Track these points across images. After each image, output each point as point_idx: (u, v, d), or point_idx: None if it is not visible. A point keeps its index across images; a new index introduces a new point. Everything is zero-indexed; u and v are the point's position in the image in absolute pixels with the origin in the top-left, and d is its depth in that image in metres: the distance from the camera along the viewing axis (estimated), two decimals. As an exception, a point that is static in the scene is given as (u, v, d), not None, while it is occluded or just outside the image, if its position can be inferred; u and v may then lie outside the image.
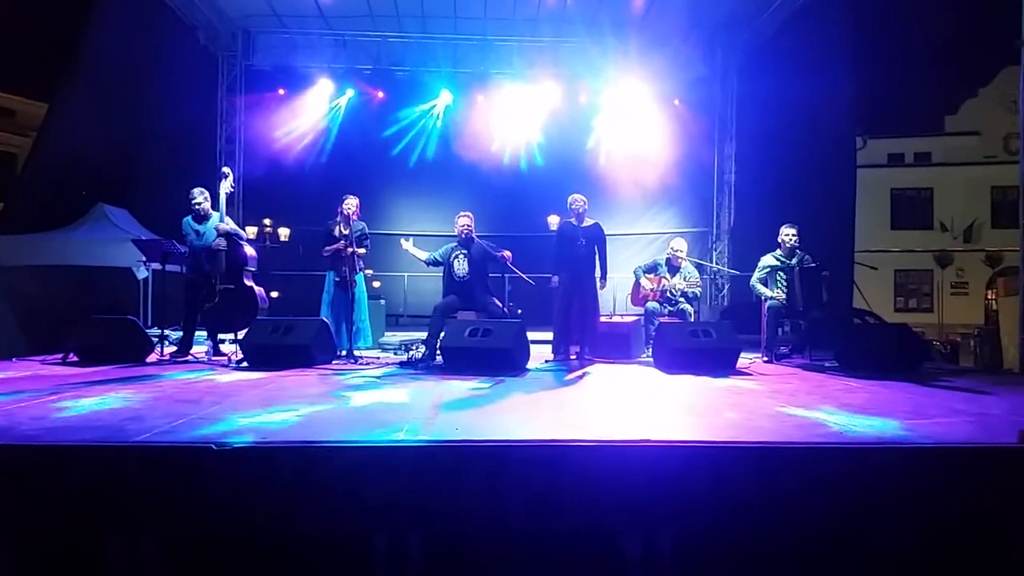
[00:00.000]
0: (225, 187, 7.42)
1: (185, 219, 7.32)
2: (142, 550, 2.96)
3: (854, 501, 3.09)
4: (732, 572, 3.10)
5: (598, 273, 7.50)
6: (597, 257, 7.50)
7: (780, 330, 7.78)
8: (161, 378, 5.66)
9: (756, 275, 7.84)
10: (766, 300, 7.67)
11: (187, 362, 6.96)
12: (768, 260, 7.79)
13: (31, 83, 24.61)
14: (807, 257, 7.64)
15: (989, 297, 23.26)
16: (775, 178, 11.93)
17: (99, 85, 9.59)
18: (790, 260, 7.65)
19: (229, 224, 7.32)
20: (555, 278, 7.48)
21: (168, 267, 7.44)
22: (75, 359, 6.68)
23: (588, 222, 7.49)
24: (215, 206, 7.37)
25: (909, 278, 26.38)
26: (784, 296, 7.56)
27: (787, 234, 7.70)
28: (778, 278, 7.68)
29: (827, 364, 7.11)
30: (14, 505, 2.97)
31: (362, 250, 7.62)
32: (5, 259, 8.47)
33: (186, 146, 12.14)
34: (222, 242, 7.19)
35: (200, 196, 7.31)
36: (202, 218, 7.32)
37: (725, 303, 13.73)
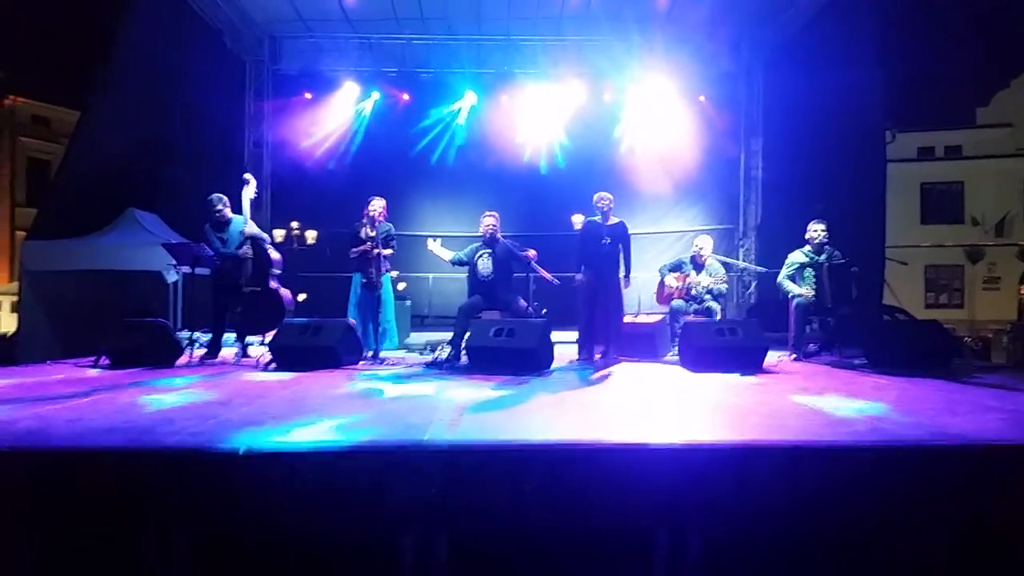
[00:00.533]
0: (248, 193, 7.51)
1: (206, 226, 7.42)
2: (174, 549, 3.01)
3: (883, 500, 3.06)
4: (760, 572, 3.08)
5: (622, 272, 7.46)
6: (622, 255, 7.46)
7: (808, 327, 7.70)
8: (191, 380, 5.74)
9: (784, 272, 7.76)
10: (794, 297, 7.59)
11: (216, 364, 7.05)
12: (796, 257, 7.71)
13: (64, 92, 25.12)
14: (836, 253, 7.55)
15: (1022, 292, 22.82)
16: (803, 174, 11.79)
17: (129, 92, 9.72)
18: (819, 256, 7.57)
19: (252, 227, 7.42)
20: (579, 275, 7.46)
21: (198, 270, 7.53)
22: (107, 362, 6.79)
23: (613, 220, 7.45)
24: (239, 211, 7.46)
25: (940, 273, 25.94)
26: (813, 293, 7.48)
27: (815, 230, 7.61)
28: (806, 275, 7.60)
29: (856, 361, 7.01)
30: (49, 504, 3.04)
31: (388, 251, 7.65)
32: (39, 264, 8.63)
33: (214, 150, 12.27)
34: (248, 250, 7.29)
35: (219, 203, 7.41)
36: (223, 224, 7.42)
37: (752, 301, 13.60)
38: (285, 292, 7.57)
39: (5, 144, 25.04)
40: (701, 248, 8.17)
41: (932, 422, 3.76)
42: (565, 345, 7.60)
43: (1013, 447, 3.25)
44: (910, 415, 3.98)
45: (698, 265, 8.12)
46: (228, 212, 7.45)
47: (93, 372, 6.34)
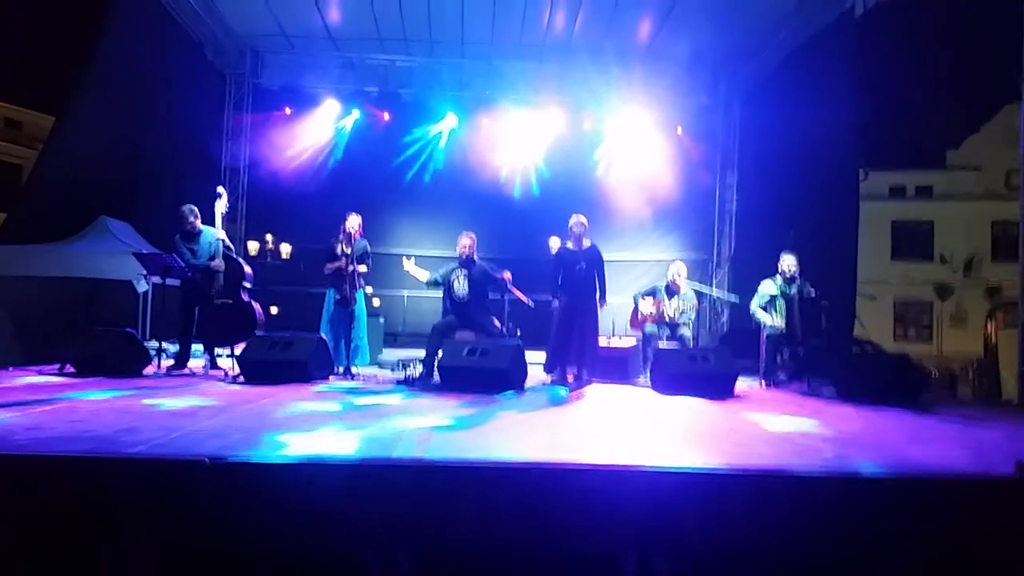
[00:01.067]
0: (220, 207, 7.47)
1: (176, 237, 7.36)
2: (136, 559, 2.94)
3: (849, 530, 3.07)
4: (726, 598, 3.08)
5: (598, 295, 7.48)
6: (596, 279, 7.48)
7: (779, 357, 7.77)
8: (156, 390, 5.64)
9: (756, 301, 7.84)
10: (765, 327, 7.67)
11: (184, 375, 6.95)
12: (768, 287, 7.79)
13: (39, 96, 24.86)
14: (807, 285, 7.65)
15: (988, 330, 23.24)
16: (776, 207, 11.95)
17: (106, 99, 9.64)
18: (789, 288, 7.66)
19: (223, 236, 7.38)
20: (556, 302, 7.48)
21: (168, 281, 7.45)
22: (71, 370, 6.66)
23: (586, 243, 7.49)
24: (210, 224, 7.42)
25: (909, 309, 26.41)
26: (783, 323, 7.57)
27: (787, 263, 7.71)
28: (777, 305, 7.69)
29: (825, 391, 7.08)
30: (10, 512, 2.96)
31: (363, 268, 7.62)
32: (5, 269, 8.48)
33: (190, 162, 12.19)
34: (220, 263, 7.23)
35: (190, 215, 7.36)
36: (193, 236, 7.36)
37: (725, 329, 13.71)
38: (256, 305, 7.51)
39: (-24, 146, 24.70)
40: (675, 275, 8.23)
41: (898, 452, 3.80)
42: (539, 366, 7.59)
43: (975, 478, 3.29)
44: (876, 445, 4.02)
45: (672, 292, 8.18)
46: (199, 224, 7.39)
47: (56, 379, 6.21)
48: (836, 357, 7.41)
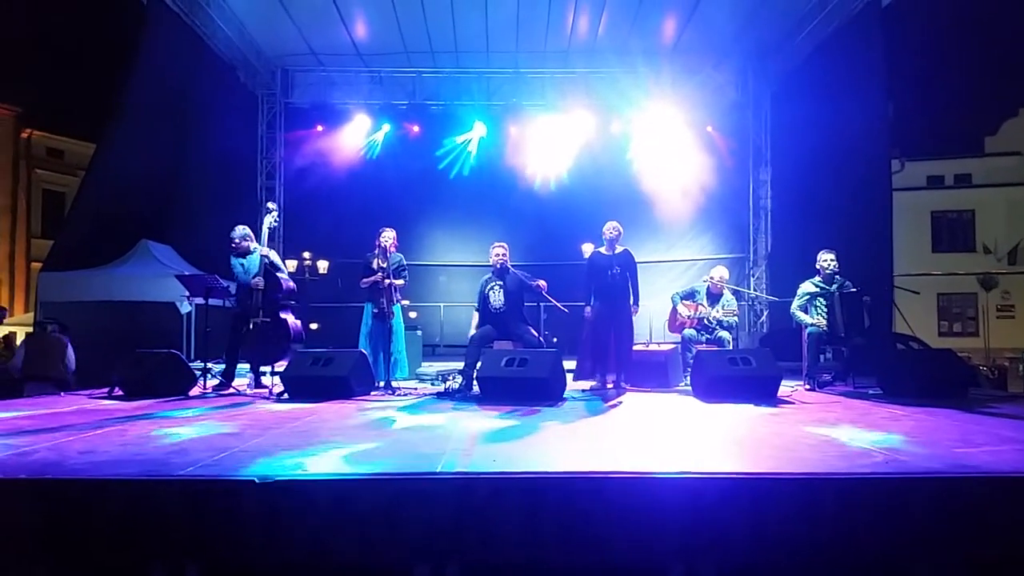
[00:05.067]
0: (269, 221, 7.59)
1: (231, 257, 7.47)
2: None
3: (899, 533, 3.02)
4: (776, 605, 3.05)
5: (631, 299, 7.45)
6: (630, 284, 7.45)
7: (822, 357, 7.65)
8: (204, 411, 5.75)
9: (796, 302, 7.74)
10: (807, 327, 7.57)
11: (229, 395, 7.05)
12: (807, 287, 7.69)
13: (79, 124, 25.49)
14: (847, 282, 7.54)
15: (1036, 320, 22.65)
16: (812, 203, 11.82)
17: (143, 125, 9.90)
18: (829, 286, 7.55)
19: (270, 254, 7.47)
20: (588, 309, 7.46)
21: (211, 301, 7.58)
22: (120, 393, 6.81)
23: (618, 249, 7.46)
24: (260, 240, 7.51)
25: (953, 302, 25.76)
26: (825, 322, 7.46)
27: (825, 259, 7.60)
28: (818, 304, 7.58)
29: (871, 391, 6.97)
30: (61, 535, 3.04)
31: (400, 281, 7.68)
32: (54, 295, 8.72)
33: (228, 182, 12.44)
34: (260, 281, 7.31)
35: (239, 234, 7.45)
36: (245, 254, 7.46)
37: (764, 330, 13.57)
38: (296, 323, 7.59)
39: (21, 176, 25.40)
40: (717, 280, 8.12)
41: (949, 453, 3.72)
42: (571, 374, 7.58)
43: (1030, 477, 3.21)
44: (926, 446, 3.94)
45: (713, 296, 8.10)
46: (250, 243, 7.48)
47: (106, 403, 6.35)
48: (881, 355, 7.29)
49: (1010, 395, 7.57)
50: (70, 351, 7.90)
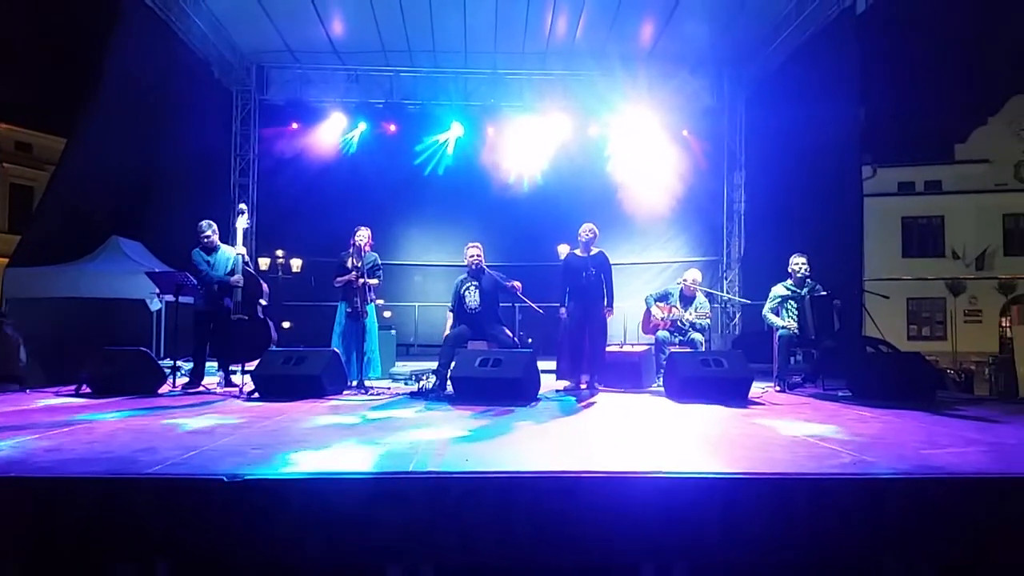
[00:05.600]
0: (242, 223, 7.52)
1: (194, 251, 7.36)
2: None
3: (868, 533, 3.06)
4: (747, 604, 3.07)
5: (605, 301, 7.48)
6: (604, 285, 7.48)
7: (792, 359, 7.74)
8: (172, 409, 5.67)
9: (767, 305, 7.81)
10: (777, 329, 7.65)
11: (199, 393, 6.98)
12: (779, 290, 7.77)
13: (48, 118, 25.04)
14: (817, 286, 7.62)
15: (1003, 325, 23.04)
16: (784, 207, 11.95)
17: (115, 119, 9.74)
18: (800, 289, 7.63)
19: (243, 251, 7.40)
20: (563, 310, 7.47)
21: (181, 299, 7.49)
22: (88, 391, 6.70)
23: (594, 251, 7.49)
24: (231, 241, 7.44)
25: (922, 306, 26.20)
26: (796, 325, 7.54)
27: (797, 263, 7.68)
28: (789, 307, 7.66)
29: (840, 393, 7.06)
30: (28, 532, 2.98)
31: (374, 281, 7.64)
32: (21, 291, 8.56)
33: (200, 179, 12.29)
34: (240, 278, 7.25)
35: (208, 229, 7.38)
36: (211, 250, 7.38)
37: (736, 332, 13.69)
38: (271, 323, 7.54)
39: (-12, 170, 24.91)
40: (690, 282, 8.19)
41: (915, 454, 3.78)
42: (550, 374, 7.59)
43: (995, 479, 3.27)
44: (894, 447, 4.00)
45: (686, 298, 8.16)
46: (216, 239, 7.41)
47: (74, 400, 6.25)
48: (850, 358, 7.38)
49: (976, 398, 7.69)
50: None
